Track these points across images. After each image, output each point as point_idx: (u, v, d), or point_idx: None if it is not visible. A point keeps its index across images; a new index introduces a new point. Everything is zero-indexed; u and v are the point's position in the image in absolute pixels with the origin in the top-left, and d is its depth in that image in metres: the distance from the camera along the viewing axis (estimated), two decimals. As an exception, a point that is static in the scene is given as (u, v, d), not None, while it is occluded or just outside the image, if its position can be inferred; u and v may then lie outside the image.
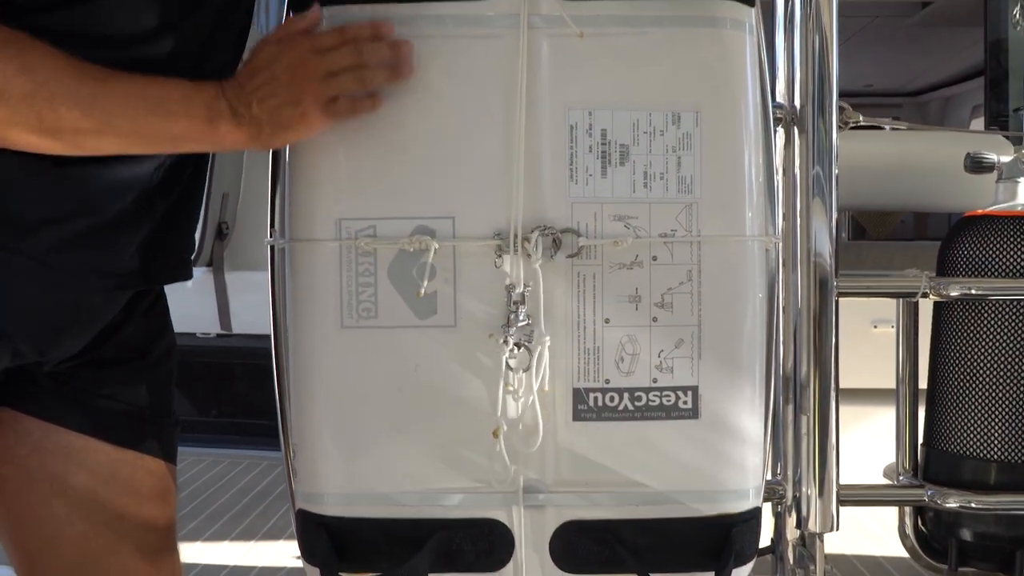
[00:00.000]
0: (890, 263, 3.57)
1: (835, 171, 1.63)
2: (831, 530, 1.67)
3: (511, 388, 1.22)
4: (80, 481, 1.31)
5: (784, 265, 1.63)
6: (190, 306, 3.89)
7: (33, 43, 1.08)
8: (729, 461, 1.28)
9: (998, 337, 1.71)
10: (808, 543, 1.69)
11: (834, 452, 1.66)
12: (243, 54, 1.28)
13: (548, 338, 1.22)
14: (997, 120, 4.63)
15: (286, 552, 2.94)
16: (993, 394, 1.71)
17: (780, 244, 1.38)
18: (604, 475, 1.26)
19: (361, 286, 1.23)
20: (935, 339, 1.81)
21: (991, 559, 1.79)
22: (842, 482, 1.68)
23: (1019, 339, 1.70)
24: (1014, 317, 1.70)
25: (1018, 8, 4.22)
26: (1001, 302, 1.70)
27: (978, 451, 1.73)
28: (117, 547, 1.35)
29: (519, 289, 1.21)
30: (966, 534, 1.79)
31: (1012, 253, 1.69)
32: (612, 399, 1.25)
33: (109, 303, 1.30)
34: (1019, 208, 1.79)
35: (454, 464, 1.25)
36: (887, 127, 2.05)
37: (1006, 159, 1.88)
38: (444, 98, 1.22)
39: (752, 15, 1.25)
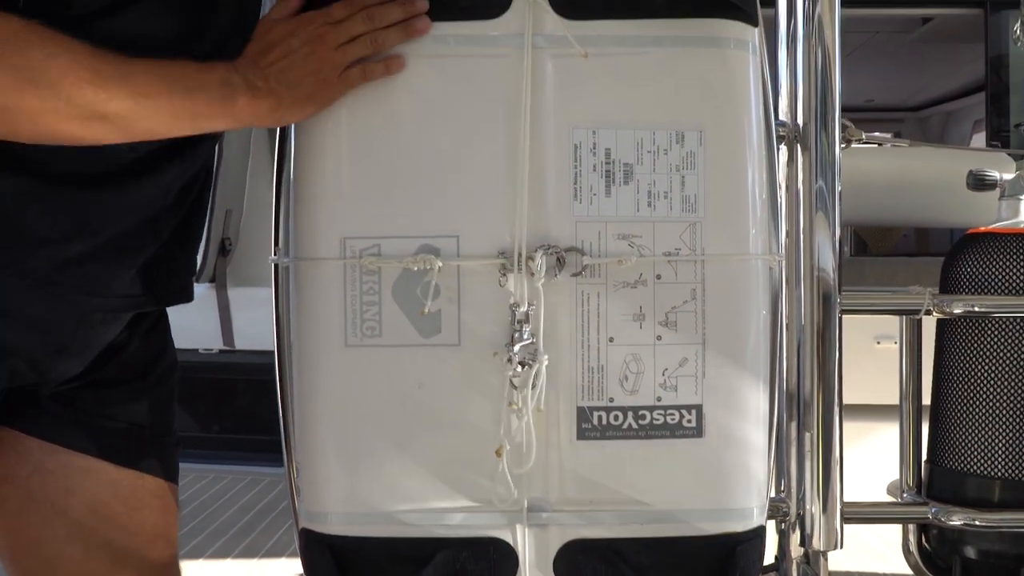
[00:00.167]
0: (892, 279, 3.58)
1: (838, 188, 1.63)
2: (835, 548, 1.67)
3: (515, 407, 1.22)
4: (81, 501, 1.31)
5: (788, 282, 1.63)
6: (193, 322, 3.88)
7: (53, 32, 1.08)
8: (733, 480, 1.28)
9: (1001, 354, 1.71)
10: (812, 561, 1.69)
11: (838, 469, 1.65)
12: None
13: (546, 357, 1.22)
14: (998, 135, 4.64)
15: (289, 570, 2.94)
16: (996, 411, 1.71)
17: (784, 262, 1.39)
18: (608, 494, 1.26)
19: (365, 304, 1.23)
20: (938, 356, 1.81)
21: (995, 577, 1.78)
22: (846, 499, 1.67)
23: (1021, 355, 1.70)
24: (1017, 334, 1.70)
25: (1018, 24, 4.22)
26: (1004, 319, 1.70)
27: (982, 468, 1.73)
28: (118, 568, 1.34)
29: (523, 308, 1.21)
30: (970, 552, 1.78)
31: (1015, 270, 1.69)
32: (616, 418, 1.25)
33: (111, 324, 1.30)
34: (1022, 225, 1.79)
35: (458, 483, 1.25)
36: (889, 144, 2.05)
37: (1008, 176, 1.89)
38: (448, 117, 1.22)
39: (755, 35, 1.26)
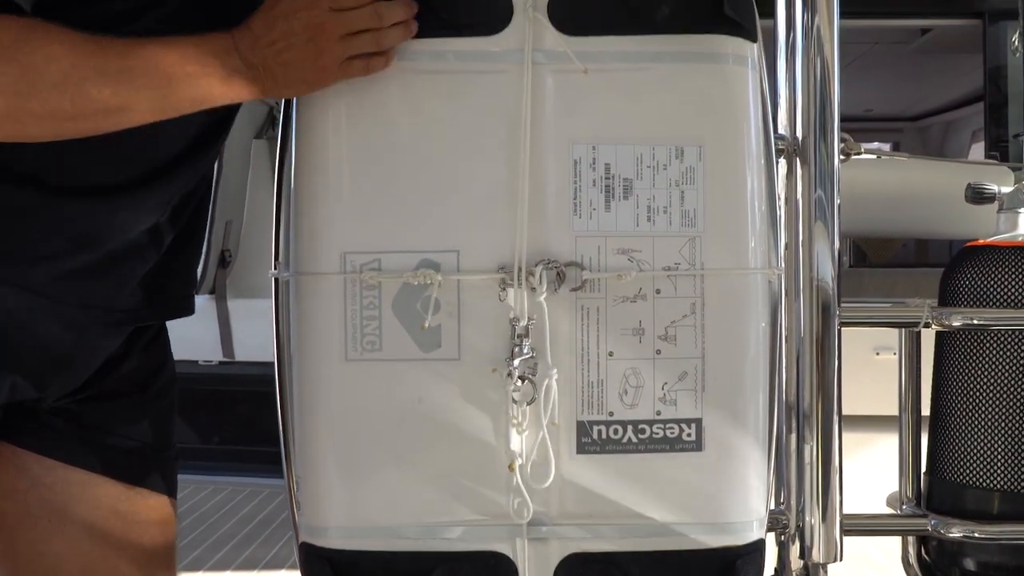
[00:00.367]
0: (892, 290, 3.58)
1: (837, 199, 1.64)
2: (835, 560, 1.67)
3: (515, 421, 1.22)
4: (80, 516, 1.31)
5: (787, 294, 1.63)
6: (193, 333, 3.88)
7: (52, 29, 1.08)
8: (733, 493, 1.28)
9: (1000, 366, 1.71)
10: (812, 573, 1.68)
11: (837, 482, 1.65)
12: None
13: (555, 371, 1.22)
14: (997, 145, 4.64)
15: (288, 582, 2.94)
16: (995, 423, 1.71)
17: (783, 275, 1.39)
18: (608, 507, 1.26)
19: (365, 319, 1.23)
20: (937, 368, 1.81)
21: (995, 588, 1.78)
22: (846, 511, 1.67)
23: (1021, 368, 1.70)
24: (1016, 346, 1.70)
25: (1017, 35, 4.23)
26: (1003, 332, 1.70)
27: (981, 480, 1.73)
28: (117, 582, 1.34)
29: (523, 322, 1.22)
30: (970, 564, 1.78)
31: (1013, 283, 1.69)
32: (616, 432, 1.25)
33: (110, 337, 1.30)
34: (1020, 238, 1.79)
35: (458, 497, 1.25)
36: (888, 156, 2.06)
37: (1007, 189, 1.89)
38: (449, 133, 1.23)
39: (754, 50, 1.26)
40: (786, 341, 1.64)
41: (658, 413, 1.25)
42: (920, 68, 6.19)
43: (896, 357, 1.82)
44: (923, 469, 1.84)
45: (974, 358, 1.73)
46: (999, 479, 1.72)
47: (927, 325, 1.70)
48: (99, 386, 1.32)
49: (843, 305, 1.64)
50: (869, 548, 2.95)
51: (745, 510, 1.29)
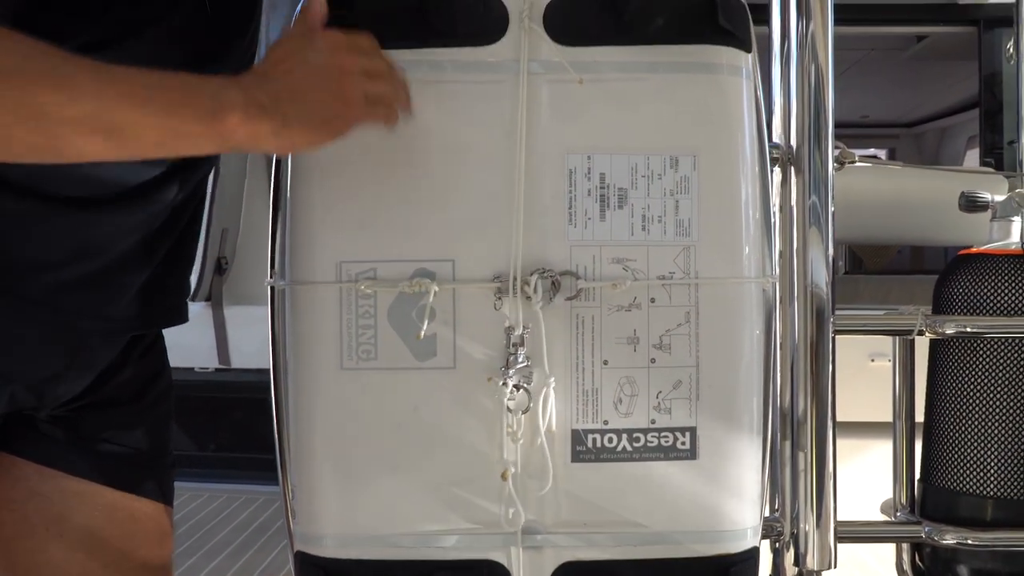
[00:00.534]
0: (887, 297, 3.59)
1: (831, 208, 1.64)
2: (829, 567, 1.67)
3: (510, 430, 1.23)
4: (77, 525, 1.32)
5: (782, 302, 1.64)
6: (189, 340, 3.89)
7: (28, 55, 0.94)
8: (727, 501, 1.29)
9: (993, 374, 1.71)
10: (806, 580, 1.69)
11: (831, 489, 1.66)
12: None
13: (553, 379, 1.23)
14: (992, 152, 4.66)
15: (284, 589, 2.94)
16: (988, 431, 1.72)
17: (778, 283, 1.40)
18: (602, 516, 1.26)
19: (361, 328, 1.23)
20: (931, 375, 1.82)
21: (989, 595, 1.79)
22: (841, 518, 1.68)
23: (1013, 376, 1.71)
24: (1009, 354, 1.71)
25: (1011, 43, 4.25)
26: (996, 339, 1.71)
27: (974, 487, 1.74)
28: (113, 591, 1.35)
29: (518, 331, 1.22)
30: (963, 570, 1.79)
31: (1006, 291, 1.70)
32: (611, 440, 1.25)
33: (107, 346, 1.30)
34: (1013, 246, 1.80)
35: (453, 505, 1.25)
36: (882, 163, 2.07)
37: (1000, 198, 1.90)
38: (445, 142, 1.23)
39: (749, 60, 1.27)
40: (780, 348, 1.65)
41: (653, 422, 1.25)
42: (916, 75, 6.21)
43: (891, 364, 1.83)
44: (917, 476, 1.84)
45: (967, 365, 1.74)
46: (992, 486, 1.73)
47: (921, 333, 1.71)
48: (96, 395, 1.32)
49: (837, 313, 1.65)
50: (864, 554, 2.96)
51: (739, 518, 1.30)
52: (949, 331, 1.71)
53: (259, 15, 1.33)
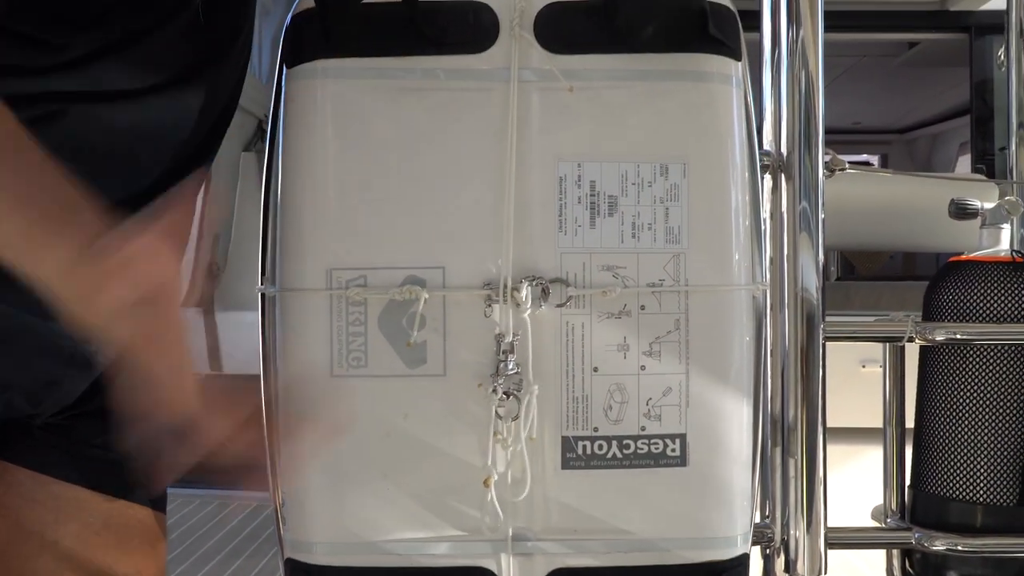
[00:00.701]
0: (877, 303, 3.60)
1: (822, 215, 1.65)
2: (820, 573, 1.68)
3: (500, 437, 1.23)
4: (70, 532, 1.31)
5: (772, 308, 1.65)
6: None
7: None
8: (717, 508, 1.29)
9: (982, 381, 1.72)
10: (797, 587, 1.70)
11: (822, 495, 1.67)
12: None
13: (536, 387, 1.23)
14: (983, 158, 4.68)
15: (276, 596, 2.93)
16: (978, 437, 1.73)
17: (768, 290, 1.40)
18: (593, 523, 1.26)
19: (351, 335, 1.24)
20: (921, 382, 1.83)
21: (978, 602, 1.79)
22: (831, 524, 1.69)
23: (1002, 382, 1.72)
24: (998, 361, 1.72)
25: (1002, 49, 4.27)
26: (986, 346, 1.72)
27: (964, 494, 1.74)
28: (106, 599, 1.34)
29: (508, 338, 1.22)
30: (953, 576, 1.80)
31: (995, 298, 1.71)
32: (601, 447, 1.26)
33: (103, 353, 1.30)
34: (1002, 254, 1.81)
35: (443, 512, 1.25)
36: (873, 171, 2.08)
37: (989, 205, 1.91)
38: (435, 150, 1.23)
39: (739, 68, 1.27)
40: (771, 355, 1.66)
41: (643, 429, 1.26)
42: (907, 81, 6.24)
43: (881, 370, 1.83)
44: (908, 482, 1.85)
45: (957, 372, 1.75)
46: (981, 492, 1.73)
47: (911, 339, 1.72)
48: (92, 402, 1.32)
49: (828, 319, 1.66)
50: (854, 560, 2.97)
51: (730, 524, 1.30)
52: (939, 338, 1.72)
53: (251, 21, 1.34)
